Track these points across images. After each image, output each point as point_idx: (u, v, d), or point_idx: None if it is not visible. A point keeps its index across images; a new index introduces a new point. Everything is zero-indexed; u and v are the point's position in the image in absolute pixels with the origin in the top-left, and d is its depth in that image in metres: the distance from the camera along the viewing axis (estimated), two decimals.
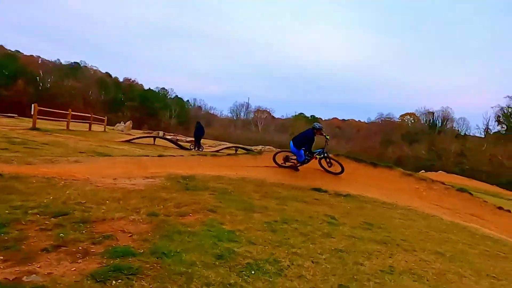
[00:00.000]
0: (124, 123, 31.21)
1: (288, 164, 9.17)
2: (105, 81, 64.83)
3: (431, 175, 25.99)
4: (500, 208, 7.26)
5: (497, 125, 57.71)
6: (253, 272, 3.04)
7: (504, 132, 55.39)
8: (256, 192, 6.72)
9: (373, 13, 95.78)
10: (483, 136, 58.65)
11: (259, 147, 27.27)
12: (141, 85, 71.56)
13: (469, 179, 24.41)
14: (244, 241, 3.79)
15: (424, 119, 67.21)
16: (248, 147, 20.64)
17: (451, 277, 3.61)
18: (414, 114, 68.15)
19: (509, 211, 7.19)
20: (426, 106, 65.51)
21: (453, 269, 3.85)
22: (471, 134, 60.41)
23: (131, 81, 70.96)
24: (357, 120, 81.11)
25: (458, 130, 62.10)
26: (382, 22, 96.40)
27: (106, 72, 68.01)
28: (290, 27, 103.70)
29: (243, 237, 3.93)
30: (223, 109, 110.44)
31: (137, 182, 5.97)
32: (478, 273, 3.82)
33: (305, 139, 8.87)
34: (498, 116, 56.53)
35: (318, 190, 7.50)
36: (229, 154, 13.21)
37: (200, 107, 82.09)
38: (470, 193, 7.85)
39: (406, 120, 69.95)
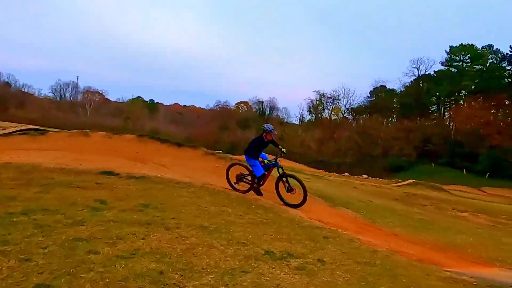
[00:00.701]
0: None
1: (241, 186, 7.14)
2: None
3: None
4: None
5: (309, 115, 69.99)
6: None
7: (313, 121, 67.59)
8: (15, 180, 5.37)
9: (221, 5, 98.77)
10: (299, 123, 70.12)
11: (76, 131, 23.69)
12: None
13: (284, 159, 28.19)
14: None
15: (255, 108, 74.69)
16: (53, 130, 17.38)
17: (199, 250, 3.52)
18: (247, 102, 74.73)
19: None
20: (257, 96, 73.15)
21: (207, 241, 3.81)
22: (291, 121, 71.16)
23: None
24: (197, 106, 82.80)
25: (282, 118, 71.83)
26: (226, 15, 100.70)
27: None
28: (132, 4, 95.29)
29: None
30: (42, 87, 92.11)
31: None
32: (229, 242, 3.90)
33: (253, 144, 6.95)
34: (309, 107, 68.51)
35: (109, 173, 6.67)
36: None
37: (8, 84, 66.05)
38: None
39: (240, 108, 75.92)
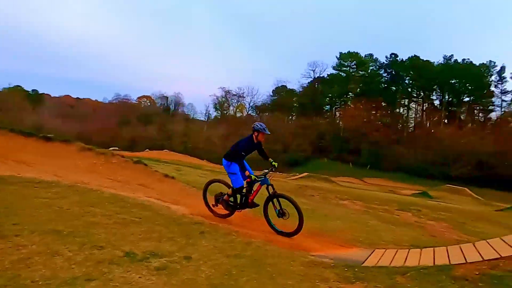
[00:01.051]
0: None
1: (220, 209, 5.88)
2: None
3: (155, 153, 27.49)
4: (166, 175, 7.95)
5: (215, 111, 70.18)
6: None
7: (219, 117, 68.00)
8: None
9: None
10: (205, 120, 69.75)
11: None
12: None
13: (184, 155, 27.64)
14: None
15: (160, 102, 71.57)
16: None
17: (37, 259, 2.99)
18: (151, 97, 71.13)
19: (173, 177, 7.99)
20: (162, 91, 70.04)
21: (53, 248, 3.27)
22: (197, 118, 70.26)
23: None
24: (93, 99, 75.71)
25: (188, 114, 70.37)
26: (127, 3, 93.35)
27: None
28: None
29: None
30: None
31: None
32: (83, 246, 3.42)
33: (240, 147, 5.60)
34: (215, 104, 68.71)
35: None
36: None
37: None
38: (145, 164, 8.16)
39: (143, 103, 71.85)
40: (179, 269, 3.27)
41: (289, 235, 5.31)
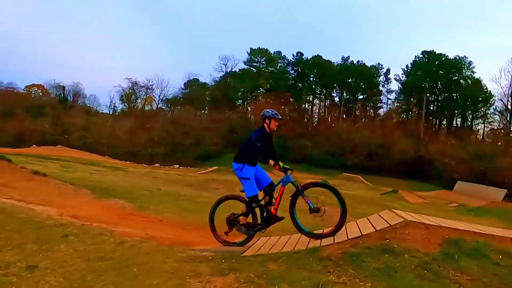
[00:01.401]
0: None
1: (232, 238, 4.66)
2: None
3: (44, 149, 24.18)
4: (36, 172, 6.90)
5: (121, 104, 65.17)
6: None
7: (126, 110, 63.35)
8: None
9: None
10: (110, 113, 64.31)
11: None
12: None
13: (81, 151, 24.98)
14: None
15: (54, 93, 63.56)
16: None
17: None
18: (43, 86, 62.59)
19: (44, 174, 6.98)
20: (57, 79, 61.95)
21: None
22: (101, 110, 64.25)
23: None
24: None
25: (90, 107, 63.83)
26: None
27: None
28: None
29: None
30: None
31: None
32: None
33: (254, 142, 4.31)
34: (122, 96, 63.75)
35: None
36: None
37: None
38: (8, 160, 6.95)
39: (33, 92, 62.92)
40: (13, 282, 2.72)
41: (323, 236, 4.20)
